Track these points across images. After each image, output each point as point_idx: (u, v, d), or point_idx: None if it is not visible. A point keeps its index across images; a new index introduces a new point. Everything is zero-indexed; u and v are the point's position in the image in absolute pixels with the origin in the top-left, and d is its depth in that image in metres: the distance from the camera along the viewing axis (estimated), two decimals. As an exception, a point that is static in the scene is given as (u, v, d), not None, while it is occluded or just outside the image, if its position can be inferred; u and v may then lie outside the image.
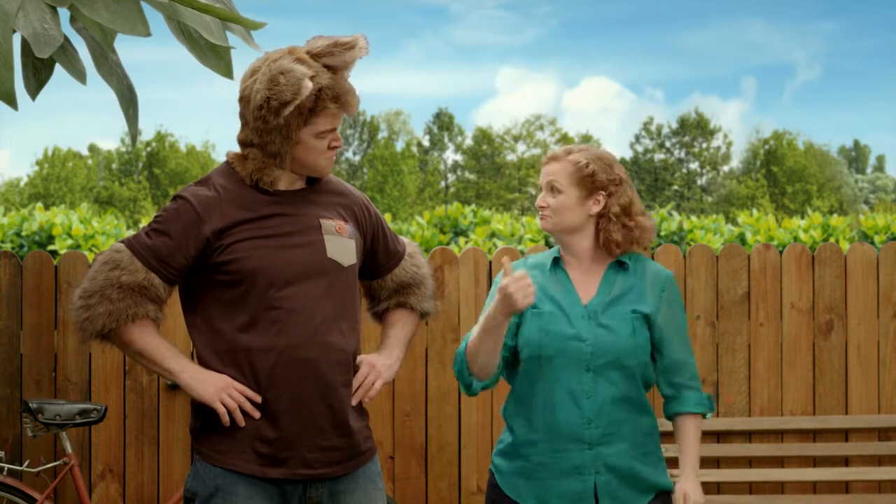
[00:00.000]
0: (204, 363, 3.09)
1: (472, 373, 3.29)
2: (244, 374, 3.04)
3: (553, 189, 3.29)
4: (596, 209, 3.30)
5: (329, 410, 3.08)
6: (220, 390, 3.04)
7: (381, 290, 3.38)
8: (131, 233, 10.15)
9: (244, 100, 3.09)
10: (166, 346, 3.09)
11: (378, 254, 3.33)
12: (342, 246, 3.13)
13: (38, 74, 3.73)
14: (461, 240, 9.93)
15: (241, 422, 3.04)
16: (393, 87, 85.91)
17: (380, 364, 3.22)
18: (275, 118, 3.01)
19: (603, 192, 3.30)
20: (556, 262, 3.35)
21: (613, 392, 3.22)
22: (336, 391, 3.09)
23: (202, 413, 3.11)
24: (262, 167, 3.09)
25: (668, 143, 56.87)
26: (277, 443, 3.05)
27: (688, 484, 3.28)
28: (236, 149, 3.18)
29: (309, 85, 2.98)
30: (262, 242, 3.05)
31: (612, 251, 3.31)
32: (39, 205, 10.29)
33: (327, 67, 3.05)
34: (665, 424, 5.12)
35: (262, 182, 3.10)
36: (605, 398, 3.22)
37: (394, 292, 3.38)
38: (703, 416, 3.34)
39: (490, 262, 5.30)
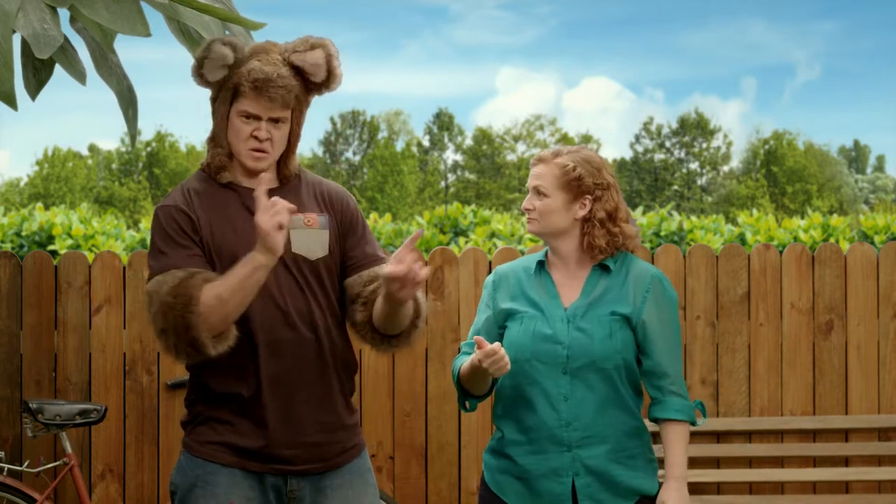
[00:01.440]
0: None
1: (467, 394, 3.33)
2: (228, 370, 3.03)
3: (539, 192, 3.29)
4: (582, 213, 3.29)
5: (311, 407, 3.08)
6: (269, 223, 2.92)
7: (363, 283, 3.16)
8: (130, 233, 10.14)
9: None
10: (229, 272, 2.98)
11: (358, 247, 3.20)
12: (310, 239, 3.10)
13: (38, 74, 3.73)
14: (461, 240, 9.92)
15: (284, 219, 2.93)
16: (393, 87, 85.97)
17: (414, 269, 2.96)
18: (206, 83, 3.08)
19: (589, 197, 3.29)
20: (541, 264, 3.35)
21: (591, 395, 3.22)
22: (317, 387, 3.08)
23: (194, 407, 3.13)
24: (214, 154, 3.14)
25: (668, 143, 56.88)
26: (257, 438, 3.05)
27: (668, 493, 3.24)
28: None
29: (225, 52, 3.01)
30: (230, 240, 3.05)
31: (595, 256, 3.30)
32: (39, 205, 10.28)
33: (290, 65, 3.07)
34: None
35: (215, 169, 3.13)
36: (582, 401, 3.21)
37: (374, 279, 3.16)
38: (692, 423, 3.31)
39: (490, 262, 5.30)
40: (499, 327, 3.35)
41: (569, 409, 3.21)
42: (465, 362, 3.27)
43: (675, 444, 3.26)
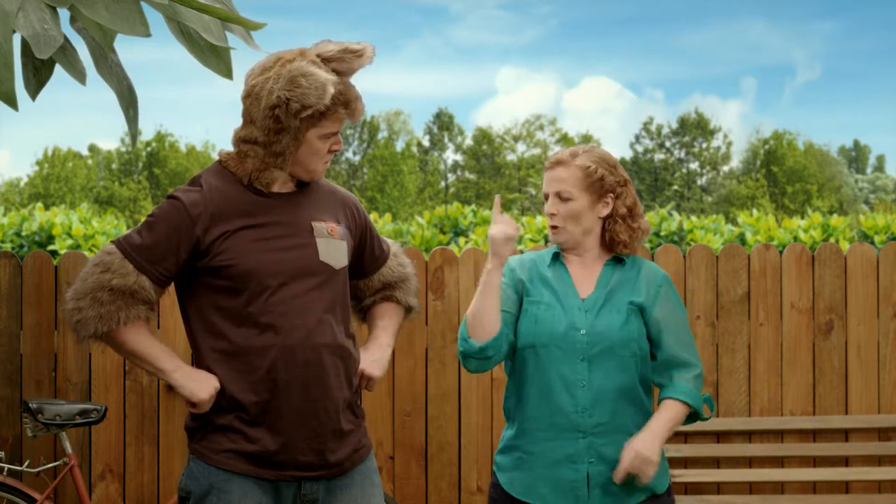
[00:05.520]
0: (202, 365, 3.09)
1: (471, 335, 3.22)
2: (242, 376, 3.04)
3: (561, 197, 3.29)
4: (605, 212, 3.32)
5: (324, 413, 3.08)
6: (215, 390, 3.04)
7: (366, 290, 3.41)
8: (131, 233, 10.14)
9: (252, 97, 3.07)
10: (159, 346, 3.08)
11: (365, 256, 3.35)
12: (334, 248, 3.14)
13: (38, 74, 3.72)
14: (461, 240, 9.92)
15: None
16: (393, 87, 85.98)
17: (365, 364, 3.24)
18: (290, 119, 3.02)
19: (611, 195, 3.31)
20: (556, 256, 3.36)
21: (608, 382, 3.24)
22: (331, 393, 3.08)
23: (205, 414, 3.11)
24: (263, 167, 3.09)
25: (668, 143, 56.91)
26: (272, 445, 3.05)
27: (637, 439, 3.21)
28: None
29: (332, 91, 3.00)
30: (255, 245, 3.05)
31: (620, 251, 3.34)
32: (39, 205, 10.28)
33: (334, 72, 3.07)
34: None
35: (260, 182, 3.09)
36: (600, 388, 3.23)
37: (379, 290, 3.41)
38: (696, 411, 3.30)
39: (490, 262, 5.29)
40: (518, 298, 3.31)
41: (585, 396, 3.23)
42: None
43: (664, 414, 3.24)
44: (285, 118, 3.01)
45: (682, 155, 56.68)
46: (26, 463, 4.99)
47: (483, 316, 3.21)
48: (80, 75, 3.75)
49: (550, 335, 3.24)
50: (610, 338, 3.23)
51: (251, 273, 3.02)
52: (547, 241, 9.04)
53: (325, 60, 3.07)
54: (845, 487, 5.26)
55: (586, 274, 3.34)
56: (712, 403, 3.37)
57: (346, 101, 3.06)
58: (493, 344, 3.23)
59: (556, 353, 3.24)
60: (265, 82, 3.04)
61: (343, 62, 3.08)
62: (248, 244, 3.04)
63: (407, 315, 3.46)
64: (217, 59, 3.73)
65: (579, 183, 3.28)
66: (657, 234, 9.62)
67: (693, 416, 3.33)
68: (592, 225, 3.32)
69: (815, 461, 5.25)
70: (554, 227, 3.32)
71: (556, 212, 3.29)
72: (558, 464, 3.24)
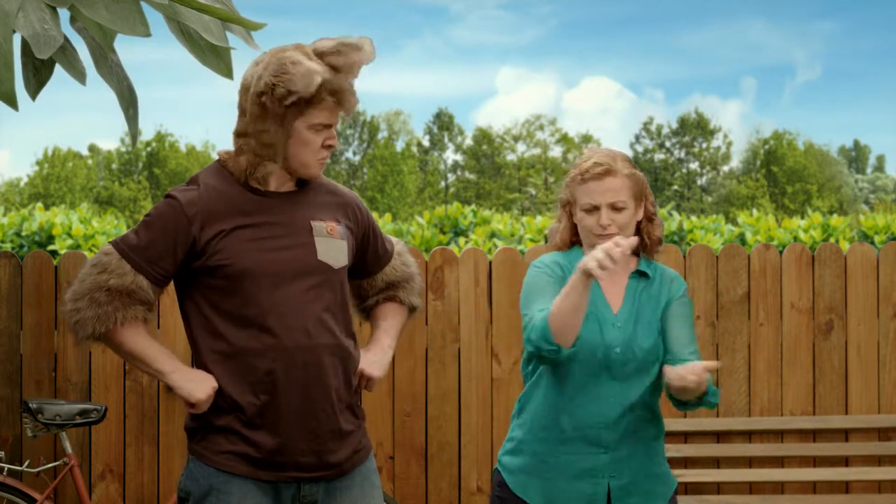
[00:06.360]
0: (201, 365, 3.08)
1: (558, 340, 3.10)
2: (241, 377, 3.03)
3: (616, 208, 3.23)
4: (641, 215, 3.30)
5: (324, 414, 3.07)
6: (213, 391, 3.04)
7: (370, 289, 3.39)
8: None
9: (243, 88, 3.07)
10: (157, 347, 3.07)
11: (368, 255, 3.33)
12: (333, 248, 3.12)
13: (38, 74, 3.73)
14: (461, 240, 9.92)
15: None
16: (393, 87, 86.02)
17: (365, 364, 3.22)
18: (276, 106, 2.99)
19: (645, 198, 3.30)
20: None
21: (635, 398, 3.22)
22: (330, 394, 3.08)
23: (204, 414, 3.10)
24: (256, 161, 3.07)
25: (668, 143, 56.95)
26: (271, 446, 3.04)
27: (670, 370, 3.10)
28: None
29: (319, 79, 2.97)
30: (250, 244, 3.03)
31: (655, 249, 3.32)
32: (39, 205, 10.27)
33: (331, 67, 3.05)
34: (668, 425, 5.12)
35: (254, 178, 3.07)
36: (627, 404, 3.21)
37: (382, 290, 3.39)
38: (703, 397, 3.18)
39: (490, 263, 5.30)
40: None
41: (613, 410, 3.21)
42: (559, 296, 3.09)
43: (691, 364, 3.09)
44: (271, 104, 2.99)
45: (682, 155, 56.71)
46: (26, 463, 4.99)
47: (576, 325, 3.09)
48: (80, 75, 3.75)
49: (584, 350, 3.19)
50: (644, 357, 3.21)
51: (246, 273, 3.01)
52: (546, 241, 9.02)
53: (322, 55, 3.05)
54: (845, 487, 5.26)
55: (614, 287, 3.30)
56: (717, 398, 3.32)
57: (334, 90, 3.02)
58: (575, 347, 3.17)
59: (587, 367, 3.20)
60: (255, 72, 3.04)
61: (339, 55, 3.04)
62: (244, 244, 3.03)
63: (411, 315, 3.45)
64: (217, 59, 3.73)
65: (630, 191, 3.24)
66: (657, 234, 9.61)
67: (698, 400, 3.19)
68: (632, 230, 3.28)
69: (815, 461, 5.25)
70: (610, 235, 3.22)
71: (610, 222, 3.22)
72: (578, 477, 3.22)
